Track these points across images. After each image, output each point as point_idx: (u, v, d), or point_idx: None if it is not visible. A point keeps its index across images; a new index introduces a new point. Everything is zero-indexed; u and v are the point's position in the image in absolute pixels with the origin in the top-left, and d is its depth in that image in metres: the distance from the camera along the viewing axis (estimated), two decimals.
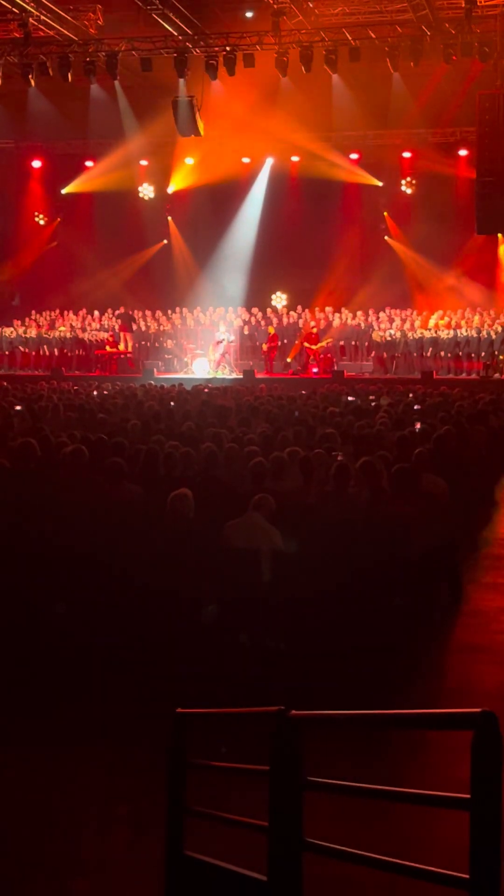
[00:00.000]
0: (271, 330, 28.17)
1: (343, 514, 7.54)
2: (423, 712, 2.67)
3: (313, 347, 27.56)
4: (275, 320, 28.98)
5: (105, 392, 20.34)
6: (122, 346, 29.45)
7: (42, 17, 24.71)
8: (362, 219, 30.21)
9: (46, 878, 4.23)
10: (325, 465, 8.66)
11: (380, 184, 29.52)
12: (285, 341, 28.59)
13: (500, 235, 27.68)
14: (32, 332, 30.09)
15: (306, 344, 27.79)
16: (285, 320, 28.99)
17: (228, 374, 27.15)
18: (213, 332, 28.54)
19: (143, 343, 29.77)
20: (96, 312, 30.81)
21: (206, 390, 19.43)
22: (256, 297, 30.20)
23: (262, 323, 28.89)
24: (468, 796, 2.37)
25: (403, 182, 29.38)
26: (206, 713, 3.64)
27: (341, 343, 28.36)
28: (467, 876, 2.35)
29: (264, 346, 28.01)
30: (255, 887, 3.12)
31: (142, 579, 6.46)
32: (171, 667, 5.96)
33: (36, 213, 32.46)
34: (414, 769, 5.06)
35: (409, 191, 29.42)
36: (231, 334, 28.09)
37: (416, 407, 16.07)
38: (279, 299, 30.58)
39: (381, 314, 28.17)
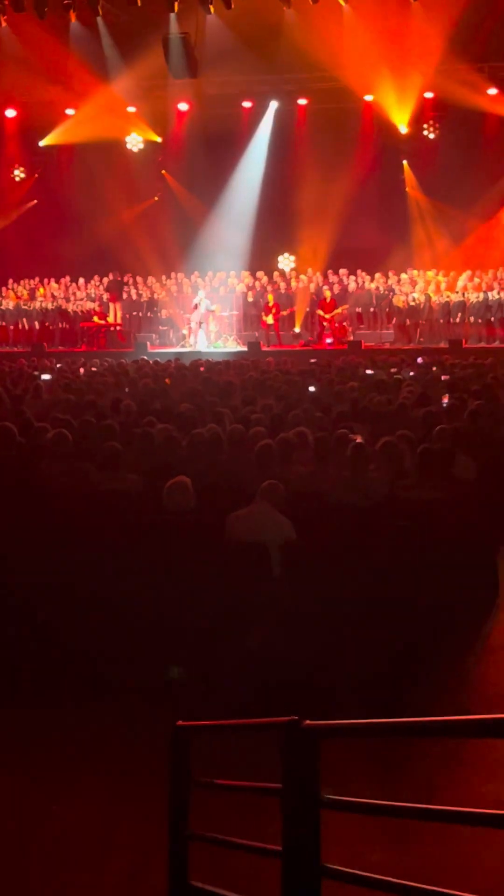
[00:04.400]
0: (270, 298, 28.05)
1: (362, 501, 7.54)
2: (454, 719, 2.67)
3: (326, 315, 27.49)
4: (282, 285, 28.88)
5: (93, 369, 20.35)
6: (110, 318, 29.42)
7: None
8: (380, 169, 30.03)
9: None
10: (342, 448, 8.65)
11: (400, 129, 29.35)
12: (294, 309, 28.50)
13: None
14: (10, 304, 30.09)
15: (319, 312, 27.72)
16: (294, 284, 28.90)
17: (232, 345, 27.11)
18: (214, 299, 28.44)
19: (134, 313, 29.74)
20: (81, 280, 30.75)
21: (202, 368, 19.41)
22: (261, 259, 30.07)
23: (269, 288, 28.80)
24: None
25: (425, 126, 29.21)
26: (209, 726, 3.66)
27: (358, 310, 28.28)
28: None
29: (267, 318, 27.85)
30: None
31: (138, 577, 6.48)
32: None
33: (12, 169, 32.38)
34: (444, 784, 5.08)
35: (431, 136, 29.26)
36: (208, 299, 27.75)
37: (443, 378, 16.05)
38: (287, 261, 30.48)
39: (403, 276, 28.06)
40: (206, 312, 27.27)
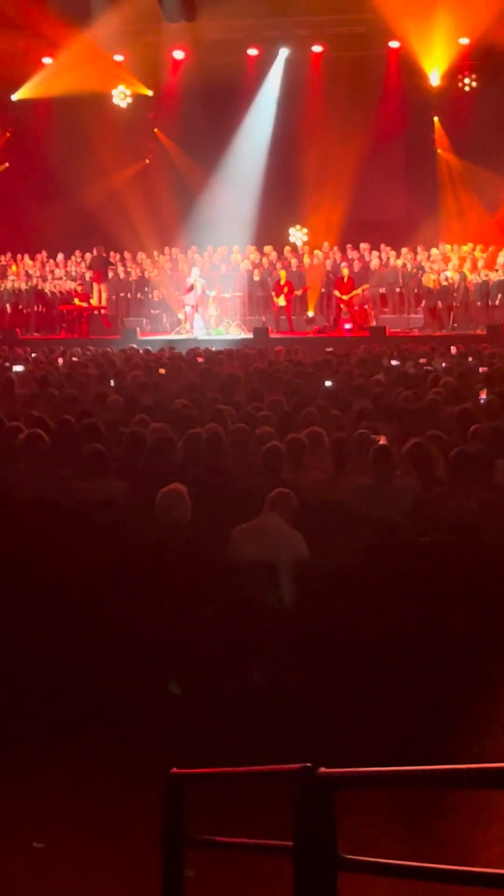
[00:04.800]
0: (283, 276, 28.00)
1: (386, 513, 7.54)
2: (496, 767, 2.67)
3: (344, 297, 27.47)
4: (294, 262, 28.88)
5: (74, 359, 20.37)
6: (94, 300, 29.44)
7: None
8: (407, 127, 30.05)
9: None
10: (363, 451, 8.66)
11: (431, 80, 29.34)
12: (308, 289, 28.47)
13: None
14: None
15: (336, 293, 27.69)
16: (307, 261, 28.90)
17: (236, 332, 27.10)
18: (215, 278, 28.41)
19: (122, 295, 29.77)
20: (60, 255, 30.77)
21: (200, 359, 19.43)
22: (270, 231, 30.07)
23: (279, 265, 28.79)
24: None
25: (461, 78, 29.19)
26: (208, 773, 3.66)
27: (381, 290, 28.27)
28: None
29: (278, 300, 27.78)
30: None
31: (125, 602, 6.48)
32: (166, 713, 5.98)
33: None
34: (485, 843, 5.07)
35: (468, 88, 29.25)
36: (204, 278, 27.62)
37: (481, 370, 16.04)
38: (299, 234, 30.46)
39: (434, 251, 28.06)
40: (202, 295, 27.24)
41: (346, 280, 27.64)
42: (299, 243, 30.17)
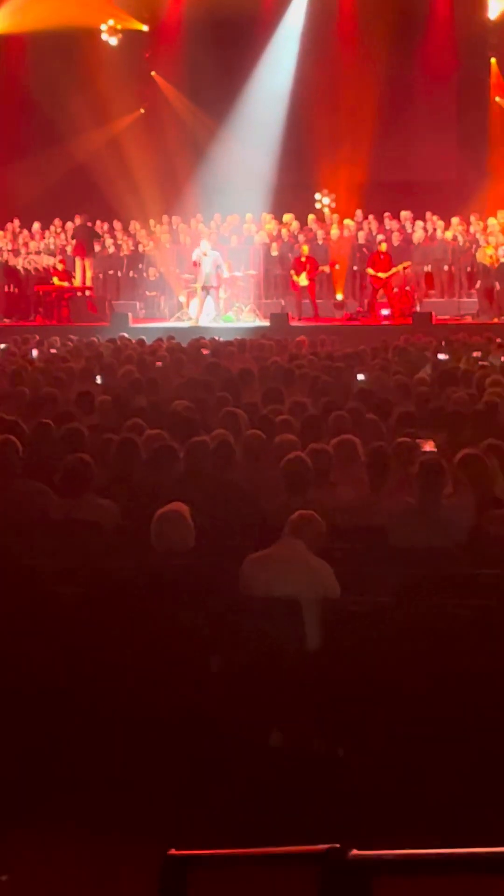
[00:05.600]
0: (305, 250, 27.90)
1: (434, 539, 7.54)
2: None
3: (381, 276, 27.43)
4: (320, 234, 28.86)
5: (52, 351, 20.41)
6: (77, 279, 29.48)
7: None
8: (458, 70, 30.06)
9: None
10: (405, 463, 8.66)
11: (488, 12, 29.36)
12: (337, 267, 28.45)
13: None
14: None
15: (370, 271, 27.65)
16: (335, 232, 28.87)
17: (249, 318, 27.07)
18: (224, 253, 28.35)
19: (110, 273, 29.82)
20: (36, 225, 30.83)
21: (205, 351, 19.44)
22: (290, 196, 30.06)
23: (302, 238, 28.75)
24: None
25: None
26: (215, 856, 3.66)
27: (427, 268, 28.24)
28: None
29: (299, 278, 27.65)
30: None
31: (115, 647, 6.49)
32: (163, 782, 5.99)
33: None
34: None
35: None
36: (217, 251, 27.47)
37: None
38: (326, 200, 30.44)
39: (491, 221, 28.02)
40: (214, 274, 27.08)
41: (382, 255, 27.52)
42: (326, 211, 30.12)
